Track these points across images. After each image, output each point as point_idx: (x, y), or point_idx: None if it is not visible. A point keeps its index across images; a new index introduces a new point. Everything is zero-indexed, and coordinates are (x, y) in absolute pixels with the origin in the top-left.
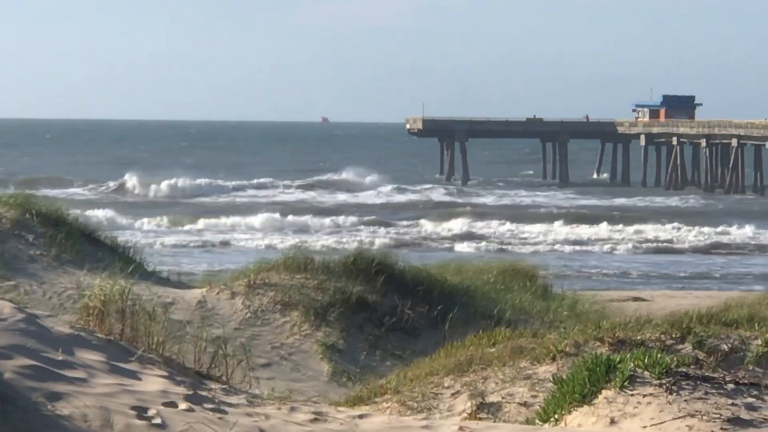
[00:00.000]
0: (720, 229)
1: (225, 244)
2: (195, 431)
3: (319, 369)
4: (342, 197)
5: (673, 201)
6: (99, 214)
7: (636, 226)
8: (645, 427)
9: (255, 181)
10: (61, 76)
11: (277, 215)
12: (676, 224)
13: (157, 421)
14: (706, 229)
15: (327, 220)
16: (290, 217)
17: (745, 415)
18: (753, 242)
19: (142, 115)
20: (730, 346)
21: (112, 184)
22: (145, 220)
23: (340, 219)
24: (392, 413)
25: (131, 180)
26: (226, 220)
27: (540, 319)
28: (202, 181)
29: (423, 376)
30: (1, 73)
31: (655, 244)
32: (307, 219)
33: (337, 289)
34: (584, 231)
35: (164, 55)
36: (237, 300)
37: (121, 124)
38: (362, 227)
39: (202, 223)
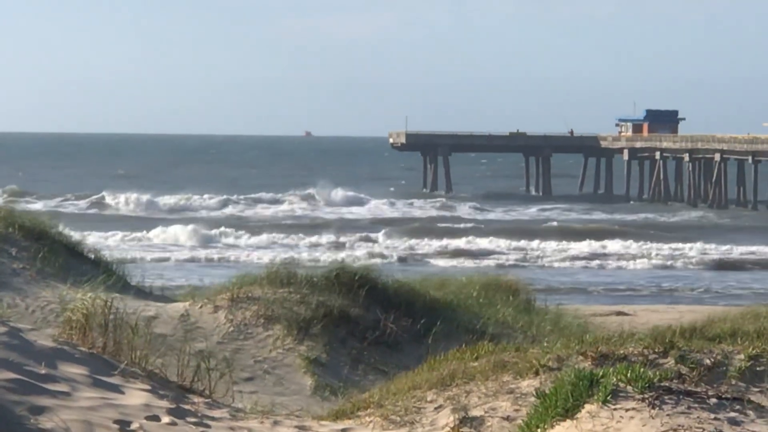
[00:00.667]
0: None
1: (222, 259)
2: None
3: (301, 383)
4: (325, 211)
5: (667, 215)
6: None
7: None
8: None
9: (254, 195)
10: (45, 88)
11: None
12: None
13: None
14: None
15: (317, 237)
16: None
17: (727, 429)
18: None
19: (120, 128)
20: (712, 360)
21: (124, 197)
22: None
23: (322, 237)
24: (375, 427)
25: (115, 196)
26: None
27: (523, 333)
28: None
29: (406, 390)
30: None
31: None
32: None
33: (319, 303)
34: (576, 246)
35: (146, 70)
36: (220, 314)
37: (105, 138)
38: (355, 242)
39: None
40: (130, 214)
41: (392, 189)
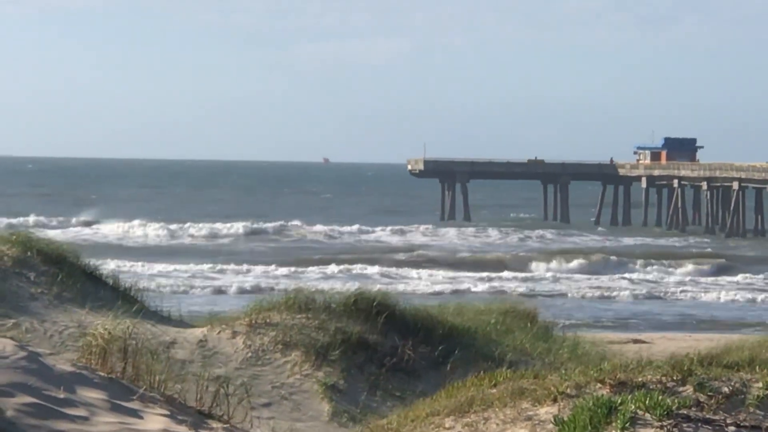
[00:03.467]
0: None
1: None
2: None
3: (319, 409)
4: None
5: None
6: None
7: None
8: None
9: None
10: (44, 111)
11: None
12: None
13: None
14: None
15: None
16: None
17: None
18: None
19: (134, 154)
20: (731, 388)
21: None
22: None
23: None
24: None
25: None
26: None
27: (541, 360)
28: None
29: (424, 416)
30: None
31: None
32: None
33: (337, 329)
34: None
35: (163, 94)
36: (238, 339)
37: (141, 163)
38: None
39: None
40: (167, 243)
41: (410, 216)
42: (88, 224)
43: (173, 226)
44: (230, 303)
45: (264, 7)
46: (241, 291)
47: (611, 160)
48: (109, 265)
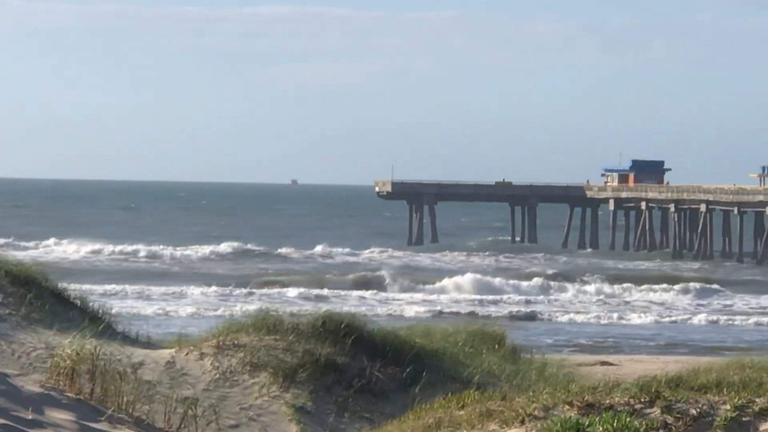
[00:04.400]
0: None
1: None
2: None
3: (287, 431)
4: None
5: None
6: None
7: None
8: None
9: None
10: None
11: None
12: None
13: None
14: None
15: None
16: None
17: None
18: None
19: (104, 175)
20: (698, 410)
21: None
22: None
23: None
24: None
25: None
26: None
27: (509, 382)
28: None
29: None
30: None
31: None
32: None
33: (306, 350)
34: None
35: (132, 115)
36: (206, 361)
37: (109, 185)
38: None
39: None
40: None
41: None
42: (57, 244)
43: (139, 248)
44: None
45: (233, 29)
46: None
47: (587, 182)
48: (78, 287)
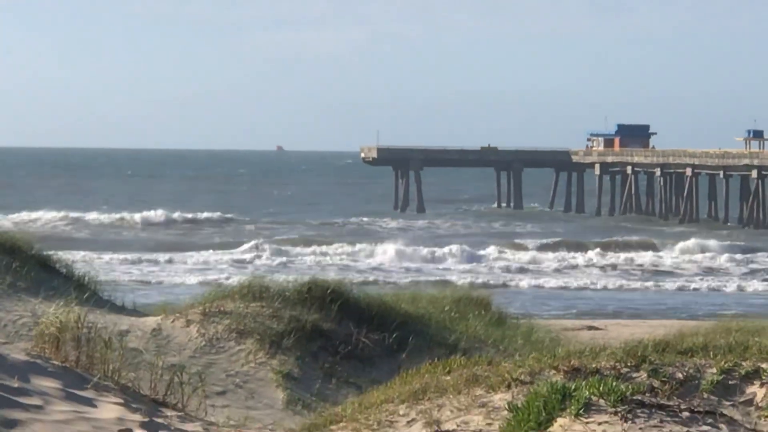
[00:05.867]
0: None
1: None
2: None
3: (274, 397)
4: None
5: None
6: None
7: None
8: None
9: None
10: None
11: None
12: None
13: None
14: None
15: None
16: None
17: None
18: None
19: (92, 143)
20: (685, 374)
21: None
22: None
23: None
24: None
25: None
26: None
27: (495, 347)
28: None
29: (378, 403)
30: None
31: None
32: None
33: (292, 317)
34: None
35: (116, 83)
36: (192, 328)
37: (81, 152)
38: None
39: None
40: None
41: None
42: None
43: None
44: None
45: None
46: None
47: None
48: (65, 255)
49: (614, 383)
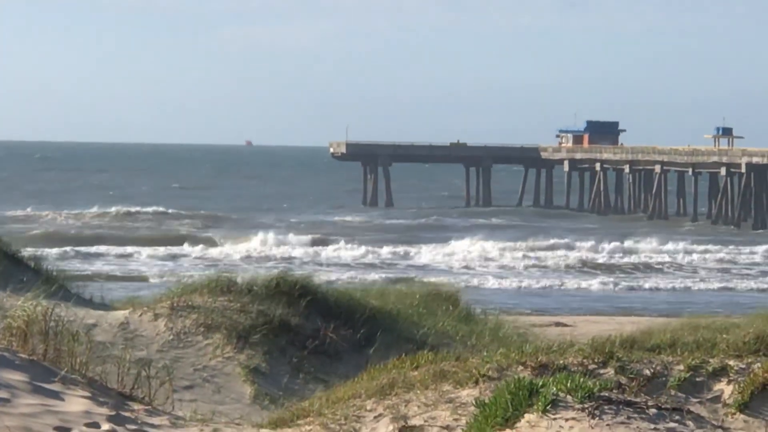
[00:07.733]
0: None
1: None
2: None
3: (241, 392)
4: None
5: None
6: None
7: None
8: None
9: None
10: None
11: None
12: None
13: None
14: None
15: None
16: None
17: None
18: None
19: (59, 137)
20: (652, 371)
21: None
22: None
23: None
24: None
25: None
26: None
27: (463, 343)
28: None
29: (345, 398)
30: None
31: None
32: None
33: (260, 311)
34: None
35: (85, 76)
36: (160, 322)
37: (41, 146)
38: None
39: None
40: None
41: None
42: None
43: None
44: None
45: None
46: None
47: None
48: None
49: (581, 380)
